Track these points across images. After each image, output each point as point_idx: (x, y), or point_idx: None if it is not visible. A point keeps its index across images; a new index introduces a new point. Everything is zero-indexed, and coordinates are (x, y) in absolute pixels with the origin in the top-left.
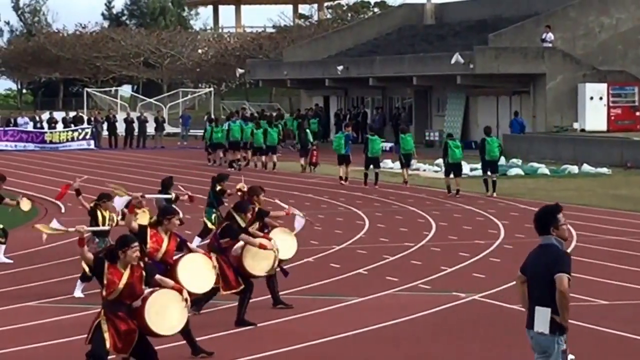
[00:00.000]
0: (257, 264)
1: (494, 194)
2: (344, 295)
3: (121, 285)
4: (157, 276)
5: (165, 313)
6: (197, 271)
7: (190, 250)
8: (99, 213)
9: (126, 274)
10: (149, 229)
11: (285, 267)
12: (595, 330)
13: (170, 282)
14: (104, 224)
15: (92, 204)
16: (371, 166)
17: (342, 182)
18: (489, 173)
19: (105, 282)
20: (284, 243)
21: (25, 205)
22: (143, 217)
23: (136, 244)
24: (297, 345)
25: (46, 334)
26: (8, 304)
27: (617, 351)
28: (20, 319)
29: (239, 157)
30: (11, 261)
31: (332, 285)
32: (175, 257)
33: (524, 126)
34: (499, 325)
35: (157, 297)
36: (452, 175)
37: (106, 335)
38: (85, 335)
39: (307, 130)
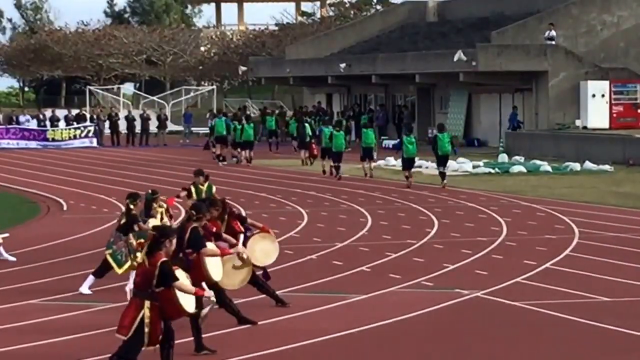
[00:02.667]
0: (229, 279)
1: (445, 183)
2: (346, 293)
3: None
4: (178, 283)
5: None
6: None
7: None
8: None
9: None
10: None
11: (272, 268)
12: (598, 327)
13: (192, 289)
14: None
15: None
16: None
17: (325, 176)
18: (441, 166)
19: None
20: (263, 250)
21: None
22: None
23: (175, 236)
24: (300, 343)
25: (49, 332)
26: (11, 302)
27: (619, 348)
28: (23, 317)
29: (220, 152)
30: (14, 259)
31: (335, 283)
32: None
33: (519, 122)
34: (501, 322)
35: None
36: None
37: (146, 332)
38: (81, 334)
39: (306, 125)
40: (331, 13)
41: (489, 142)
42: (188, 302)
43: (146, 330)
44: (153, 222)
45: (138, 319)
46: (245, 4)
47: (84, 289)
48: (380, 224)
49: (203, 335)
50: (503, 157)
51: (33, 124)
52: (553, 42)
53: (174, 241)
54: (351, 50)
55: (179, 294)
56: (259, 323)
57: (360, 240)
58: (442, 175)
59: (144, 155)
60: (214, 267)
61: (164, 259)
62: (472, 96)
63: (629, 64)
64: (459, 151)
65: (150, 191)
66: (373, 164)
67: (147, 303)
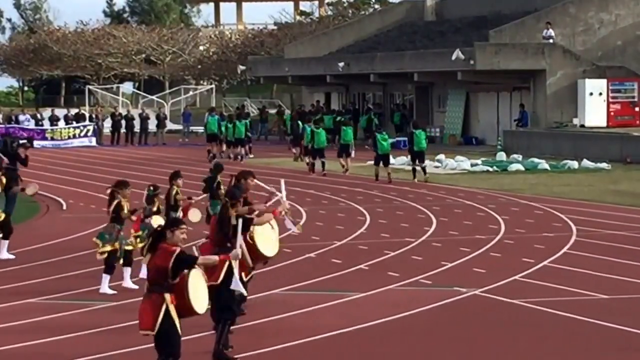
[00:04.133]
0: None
1: (427, 177)
2: (345, 291)
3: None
4: (200, 258)
5: (200, 291)
6: (268, 237)
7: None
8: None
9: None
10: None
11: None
12: (596, 325)
13: (214, 258)
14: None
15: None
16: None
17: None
18: (417, 162)
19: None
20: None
21: (31, 189)
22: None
23: (184, 227)
24: (299, 341)
25: (47, 331)
26: (9, 301)
27: (618, 345)
28: (21, 316)
29: (215, 149)
30: (13, 257)
31: (334, 281)
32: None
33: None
34: (499, 320)
35: (194, 276)
36: (381, 164)
37: (177, 324)
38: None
39: (300, 122)
40: (330, 12)
41: (487, 140)
42: (199, 302)
43: (176, 321)
44: (157, 219)
45: (162, 313)
46: (244, 4)
47: (105, 288)
48: (379, 222)
49: (202, 334)
50: (501, 156)
51: (32, 124)
52: (552, 41)
53: (177, 232)
54: (349, 49)
55: (191, 293)
56: (258, 321)
57: (358, 238)
58: (423, 169)
59: (143, 155)
60: (265, 241)
61: (177, 249)
62: (470, 95)
63: (626, 62)
64: (457, 149)
65: (151, 187)
66: (349, 161)
67: (167, 297)
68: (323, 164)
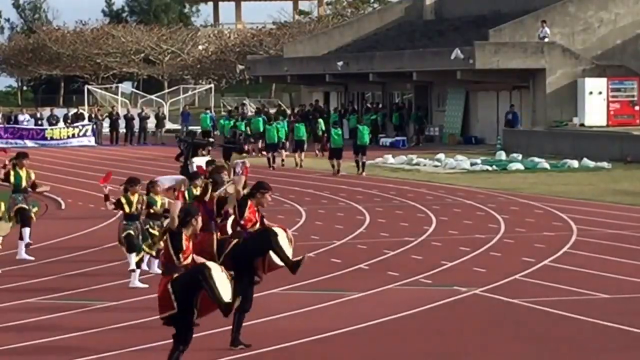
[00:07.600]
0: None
1: (364, 173)
2: (344, 290)
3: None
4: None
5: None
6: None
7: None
8: (123, 199)
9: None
10: (248, 201)
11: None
12: (596, 324)
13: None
14: (131, 208)
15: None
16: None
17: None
18: (360, 155)
19: (184, 247)
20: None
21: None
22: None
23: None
24: (298, 341)
25: (46, 330)
26: (8, 300)
27: (618, 344)
28: (19, 315)
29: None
30: (21, 259)
31: (333, 281)
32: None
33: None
34: (499, 319)
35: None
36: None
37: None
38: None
39: (320, 121)
40: (328, 11)
41: (486, 139)
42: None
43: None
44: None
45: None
46: (242, 3)
47: (136, 282)
48: (378, 221)
49: (200, 334)
50: (501, 155)
51: (31, 124)
52: (547, 40)
53: (199, 219)
54: (348, 48)
55: (219, 285)
56: (258, 321)
57: (358, 237)
58: (362, 164)
59: (142, 154)
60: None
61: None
62: (470, 94)
63: (626, 61)
64: (456, 148)
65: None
66: (304, 156)
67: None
68: (274, 158)
